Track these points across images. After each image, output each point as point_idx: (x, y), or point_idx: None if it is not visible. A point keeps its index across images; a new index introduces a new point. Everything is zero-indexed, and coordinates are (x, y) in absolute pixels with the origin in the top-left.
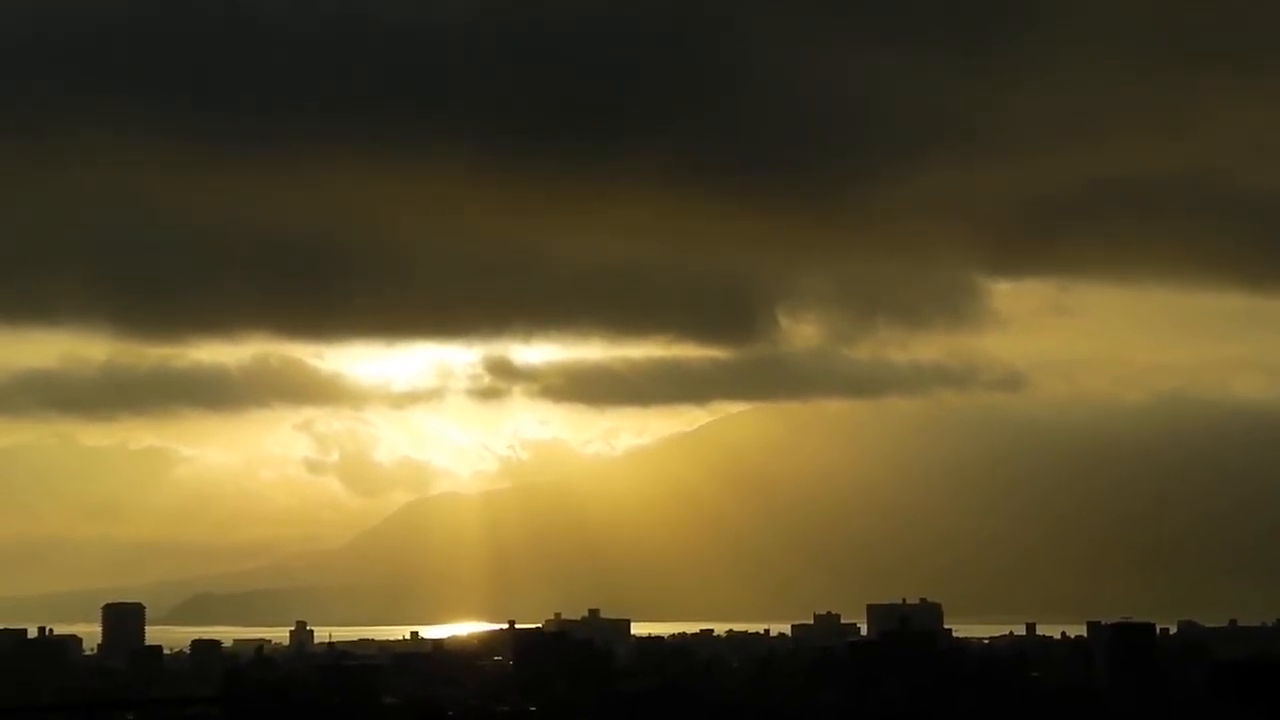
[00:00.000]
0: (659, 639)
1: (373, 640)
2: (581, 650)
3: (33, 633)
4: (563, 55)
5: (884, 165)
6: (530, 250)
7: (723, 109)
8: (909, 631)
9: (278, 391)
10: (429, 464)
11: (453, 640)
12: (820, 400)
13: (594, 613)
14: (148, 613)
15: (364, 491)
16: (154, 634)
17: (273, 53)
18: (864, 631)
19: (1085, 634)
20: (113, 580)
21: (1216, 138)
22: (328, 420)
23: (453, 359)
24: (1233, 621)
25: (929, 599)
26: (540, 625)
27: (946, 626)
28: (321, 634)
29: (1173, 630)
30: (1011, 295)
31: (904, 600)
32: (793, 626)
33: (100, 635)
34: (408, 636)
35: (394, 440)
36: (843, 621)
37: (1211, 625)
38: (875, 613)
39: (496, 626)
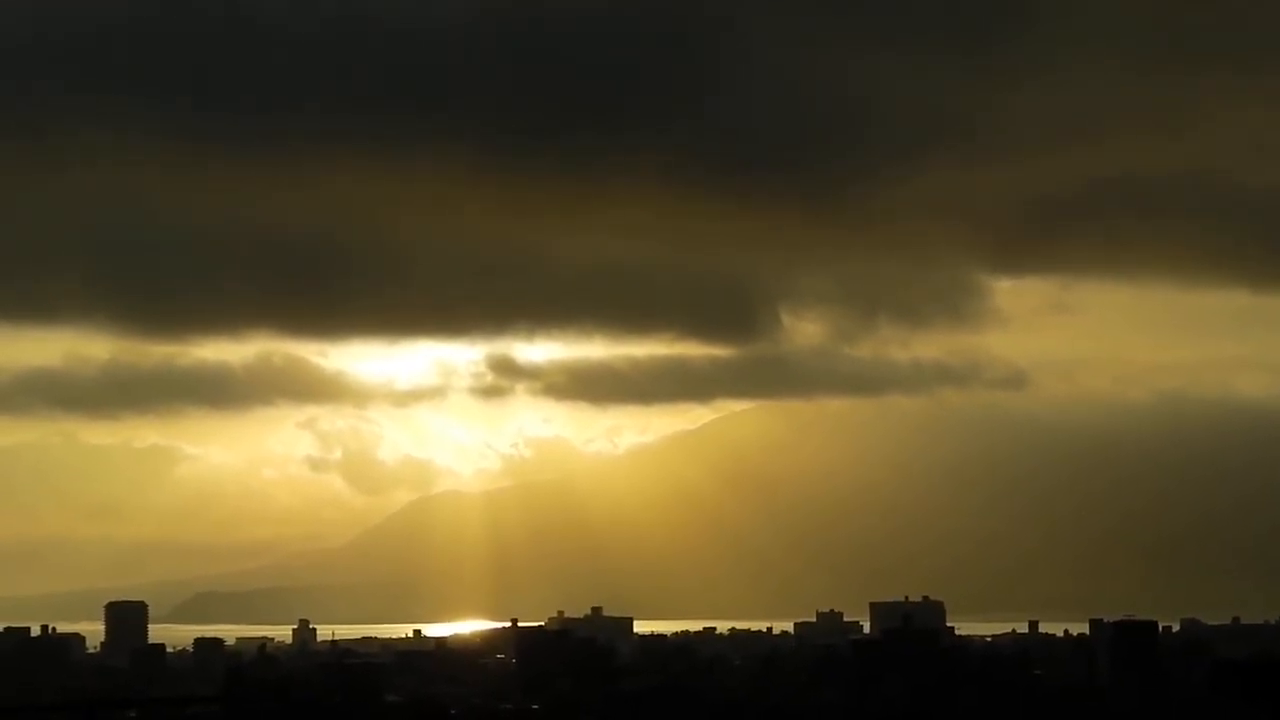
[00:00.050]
0: (661, 637)
1: (375, 638)
2: (584, 648)
3: (35, 631)
4: (563, 55)
5: (884, 165)
6: (532, 249)
7: (723, 109)
8: (911, 629)
9: (281, 390)
10: (432, 462)
11: (455, 638)
12: (822, 398)
13: (596, 611)
14: (150, 611)
15: (367, 490)
16: (156, 633)
17: (273, 53)
18: (866, 629)
19: (1088, 632)
20: (115, 579)
21: (1216, 138)
22: (330, 419)
23: (455, 357)
24: (1235, 619)
25: (931, 597)
26: (543, 623)
27: (949, 624)
28: (324, 632)
29: (1175, 628)
30: (1013, 294)
31: (906, 598)
32: (795, 625)
33: (103, 634)
34: (410, 635)
35: (397, 438)
36: (845, 619)
37: (1214, 623)
38: (878, 611)
39: (499, 625)
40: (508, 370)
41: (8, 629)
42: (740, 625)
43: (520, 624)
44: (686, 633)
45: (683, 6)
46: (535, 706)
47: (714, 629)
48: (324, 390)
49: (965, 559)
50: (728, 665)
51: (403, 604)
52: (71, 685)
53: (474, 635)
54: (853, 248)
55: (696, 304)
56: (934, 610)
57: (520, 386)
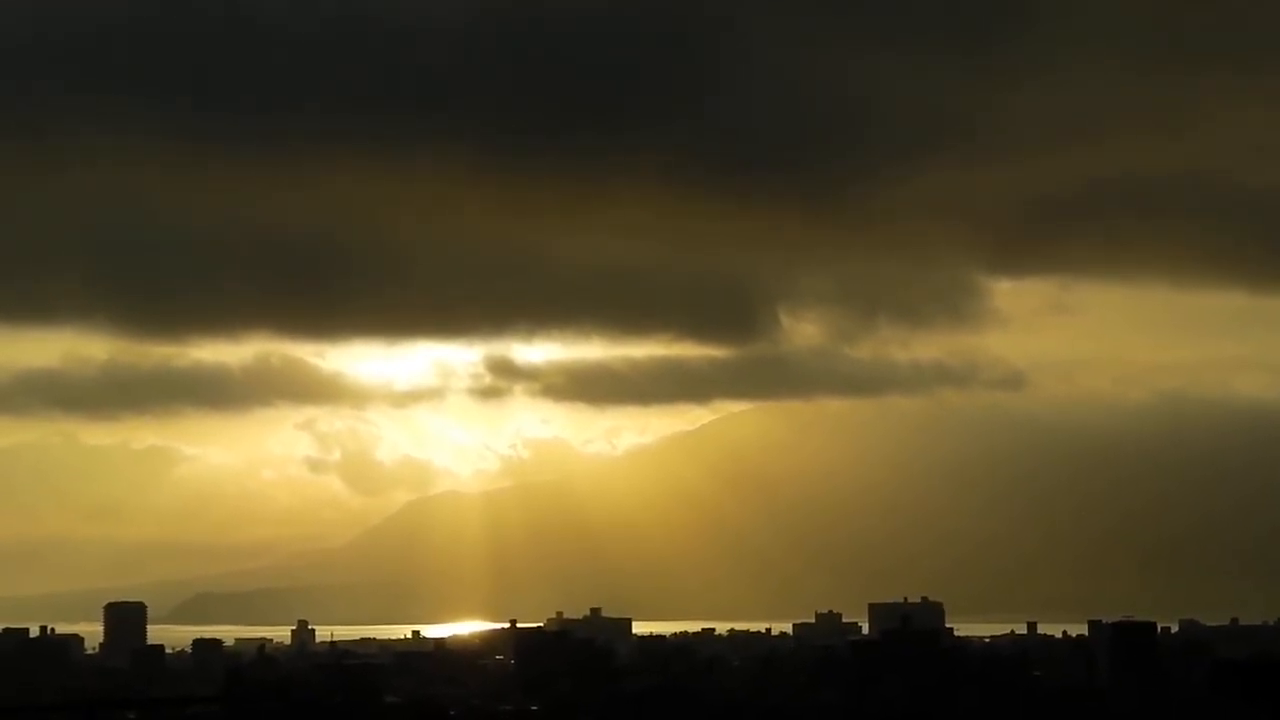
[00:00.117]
0: (660, 638)
1: (374, 639)
2: (583, 649)
3: (34, 632)
4: (563, 55)
5: (884, 165)
6: (531, 250)
7: (723, 109)
8: (910, 630)
9: (279, 391)
10: (430, 463)
11: (454, 639)
12: (822, 399)
13: (595, 612)
14: (149, 612)
15: (365, 491)
16: (155, 633)
17: (273, 53)
18: (865, 630)
19: (1087, 633)
20: (114, 579)
21: (1216, 138)
22: (329, 419)
23: (454, 358)
24: (1234, 620)
25: (930, 598)
26: (542, 624)
27: (948, 625)
28: (323, 633)
29: (1174, 629)
30: (1012, 294)
31: (905, 599)
32: (794, 625)
33: (102, 635)
34: (409, 636)
35: (395, 439)
36: (844, 620)
37: (1213, 624)
38: (877, 612)
39: (498, 625)
40: (506, 371)
41: (7, 630)
42: (739, 626)
43: (519, 625)
44: (685, 634)
45: (683, 6)
46: (534, 707)
47: (713, 630)
48: (323, 391)
49: (964, 560)
50: (727, 666)
51: (402, 605)
52: (71, 686)
53: (473, 636)
54: (852, 248)
55: (695, 304)
56: (933, 611)
57: (519, 387)
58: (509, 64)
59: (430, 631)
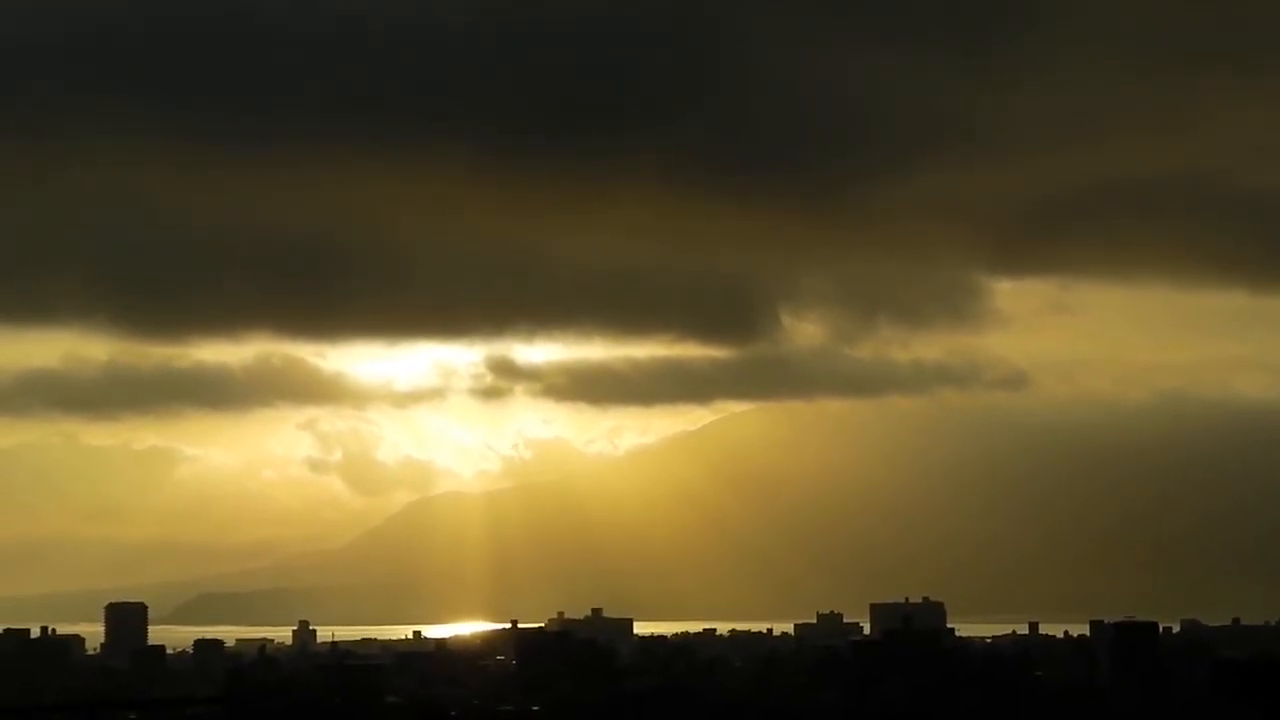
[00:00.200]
0: (662, 638)
1: (375, 640)
2: (584, 650)
3: (35, 633)
4: (563, 55)
5: (884, 165)
6: (532, 250)
7: (723, 109)
8: (912, 631)
9: (280, 391)
10: (432, 463)
11: (455, 640)
12: (823, 399)
13: (597, 612)
14: (150, 612)
15: (367, 491)
16: (156, 634)
17: (273, 53)
18: (867, 631)
19: (1088, 633)
20: (115, 580)
21: (1216, 138)
22: (330, 420)
23: (455, 358)
24: (1236, 620)
25: (932, 598)
26: (543, 625)
27: (949, 626)
28: (324, 634)
29: (1176, 629)
30: (1012, 294)
31: (907, 599)
32: (795, 626)
33: (103, 635)
34: (410, 636)
35: (397, 440)
36: (845, 621)
37: (1214, 624)
38: (878, 612)
39: (499, 626)
40: (508, 371)
41: (7, 630)
42: (740, 626)
43: (520, 625)
44: (686, 634)
45: (683, 6)
46: (535, 708)
47: (714, 630)
48: (324, 391)
49: (965, 560)
50: (728, 666)
51: (403, 605)
52: (72, 686)
53: (474, 636)
54: (853, 248)
55: (696, 305)
56: (934, 611)
57: (520, 388)
58: (509, 64)
59: (431, 632)
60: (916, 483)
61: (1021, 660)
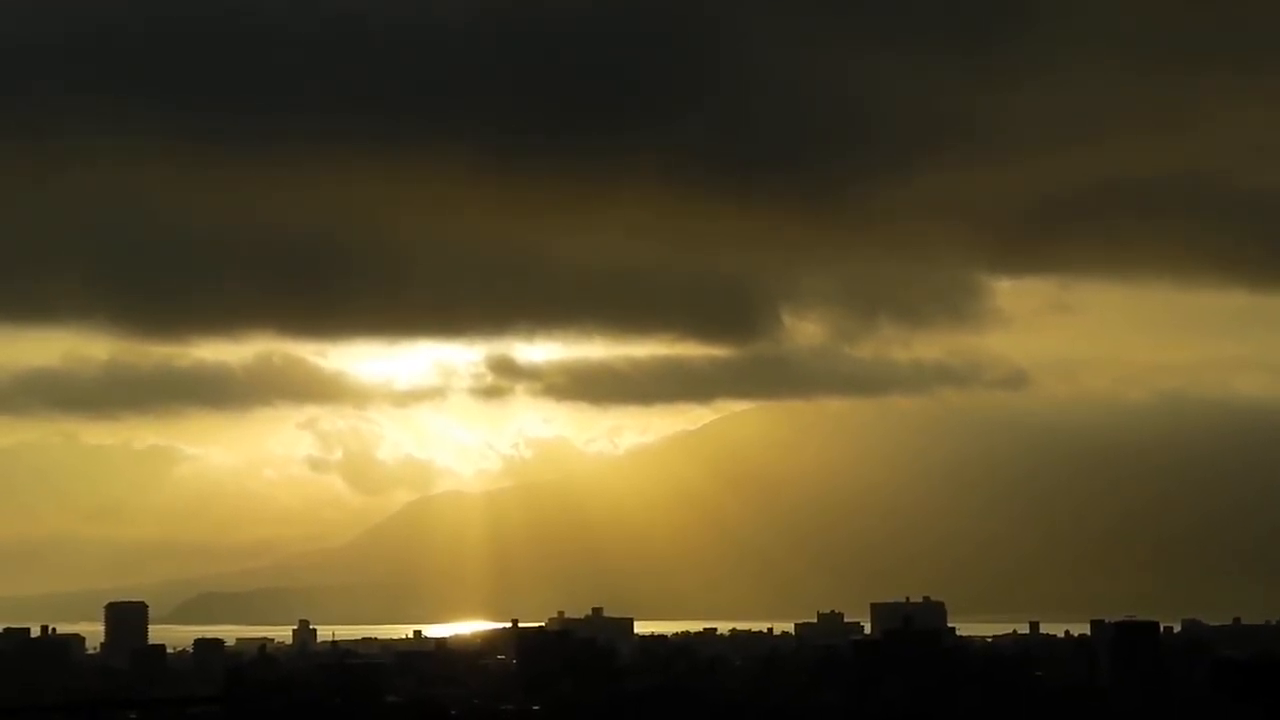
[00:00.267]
0: (662, 638)
1: (375, 639)
2: (584, 649)
3: (36, 632)
4: (563, 55)
5: (884, 165)
6: (532, 249)
7: (723, 109)
8: (912, 630)
9: (281, 390)
10: (432, 463)
11: (456, 639)
12: (823, 399)
13: (597, 611)
14: (150, 612)
15: (367, 490)
16: (157, 633)
17: (273, 53)
18: (867, 630)
19: (1089, 632)
20: (115, 579)
21: (1216, 138)
22: (331, 419)
23: (455, 358)
24: (1236, 620)
25: (932, 598)
26: (543, 624)
27: (950, 625)
28: (324, 633)
29: (1176, 629)
30: (1013, 294)
31: (907, 599)
32: (796, 625)
33: (103, 634)
34: (410, 635)
35: (397, 439)
36: (846, 620)
37: (1215, 624)
38: (878, 611)
39: (499, 625)
40: (508, 371)
41: (8, 629)
42: (741, 626)
43: (520, 624)
44: (687, 633)
45: (683, 6)
46: (536, 707)
47: (714, 630)
48: (324, 390)
49: (966, 560)
50: (728, 666)
51: (403, 604)
52: (73, 686)
53: (474, 636)
54: (853, 248)
55: (697, 304)
56: (935, 611)
57: (520, 387)
58: (509, 64)
59: (432, 631)
60: (916, 483)
61: (1022, 660)
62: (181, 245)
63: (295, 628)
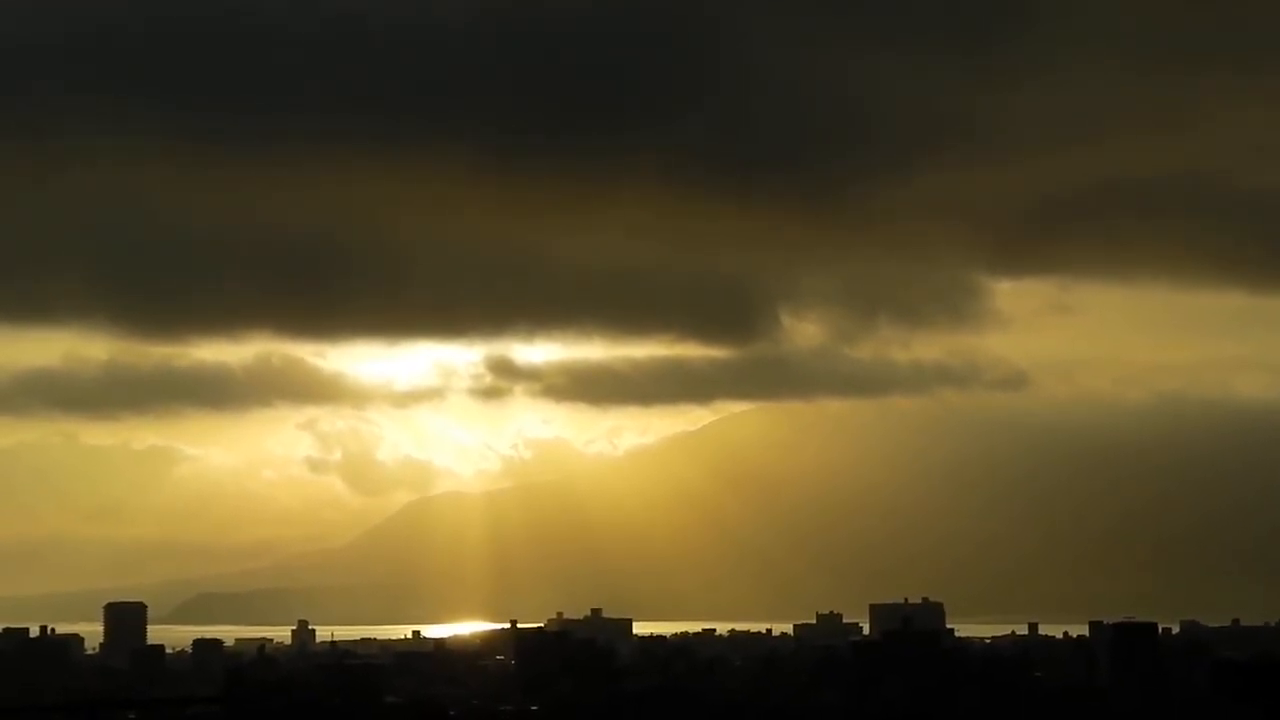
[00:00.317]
0: (661, 638)
1: (375, 640)
2: (584, 650)
3: (35, 632)
4: (563, 55)
5: (884, 165)
6: (531, 250)
7: (723, 109)
8: (911, 631)
9: (280, 391)
10: (431, 463)
11: (455, 640)
12: (822, 399)
13: (596, 612)
14: (149, 612)
15: (366, 491)
16: (156, 633)
17: (273, 53)
18: (866, 631)
19: (1088, 634)
20: (115, 580)
21: (1216, 138)
22: (330, 419)
23: (455, 358)
24: (1235, 621)
25: (931, 599)
26: (542, 625)
27: (949, 626)
28: (323, 633)
29: (1175, 630)
30: (1012, 295)
31: (906, 600)
32: (795, 626)
33: (102, 635)
34: (410, 636)
35: (396, 439)
36: (845, 621)
37: (1214, 625)
38: (877, 612)
39: (498, 626)
40: (507, 371)
41: (7, 630)
42: (740, 627)
43: (519, 625)
44: (686, 634)
45: (683, 6)
46: (534, 708)
47: (713, 630)
48: (323, 391)
49: (965, 560)
50: (728, 666)
51: (402, 605)
52: (72, 686)
53: (473, 636)
54: (853, 248)
55: (696, 305)
56: (934, 612)
57: (520, 388)
58: (509, 64)
59: (431, 632)
60: (916, 483)
61: (1021, 661)
62: (181, 245)
63: (294, 628)
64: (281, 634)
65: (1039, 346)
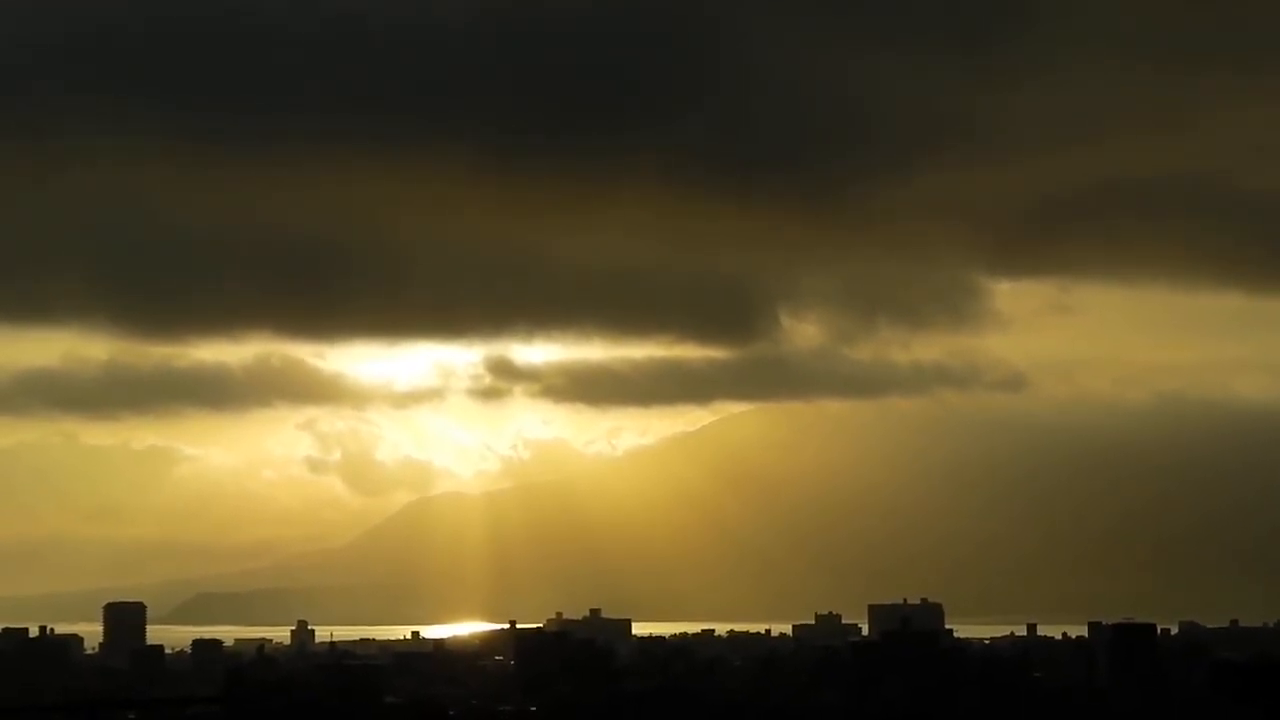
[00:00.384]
0: (660, 639)
1: (374, 640)
2: (583, 650)
3: (34, 632)
4: (563, 55)
5: (884, 165)
6: (531, 250)
7: (723, 109)
8: (910, 632)
9: (280, 391)
10: (431, 464)
11: (454, 640)
12: (822, 400)
13: (595, 612)
14: (149, 612)
15: (366, 491)
16: (155, 633)
17: (273, 53)
18: (865, 632)
19: (1087, 634)
20: (114, 580)
21: (1216, 138)
22: (330, 420)
23: (454, 359)
24: (1234, 622)
25: (930, 599)
26: (541, 625)
27: (948, 627)
28: (323, 634)
29: (1174, 631)
30: (1012, 295)
31: (905, 600)
32: (794, 626)
33: (102, 635)
34: (409, 636)
35: (396, 440)
36: (844, 622)
37: (1213, 626)
38: (877, 613)
39: (498, 626)
40: (507, 372)
41: (7, 630)
42: (739, 627)
43: (519, 625)
44: (685, 634)
45: (683, 6)
46: (534, 708)
47: (713, 631)
48: (323, 391)
49: (964, 561)
50: (727, 667)
51: (402, 605)
52: (72, 686)
53: (472, 637)
54: (853, 248)
55: (696, 305)
56: (933, 612)
57: (519, 388)
58: (509, 64)
59: (430, 632)
60: (916, 483)
61: (1020, 661)
62: (181, 245)
63: (294, 628)
64: (281, 634)
65: (1039, 347)
